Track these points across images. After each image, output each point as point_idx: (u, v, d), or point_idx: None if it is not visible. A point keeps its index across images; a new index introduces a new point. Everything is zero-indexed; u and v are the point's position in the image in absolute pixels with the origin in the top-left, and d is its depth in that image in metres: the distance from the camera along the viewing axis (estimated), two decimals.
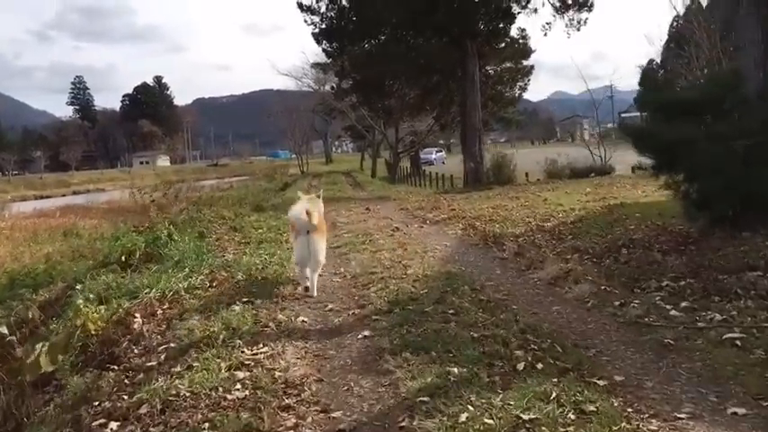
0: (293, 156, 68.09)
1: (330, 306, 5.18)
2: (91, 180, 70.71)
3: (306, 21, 18.36)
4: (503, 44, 19.09)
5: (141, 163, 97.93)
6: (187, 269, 6.72)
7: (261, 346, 4.10)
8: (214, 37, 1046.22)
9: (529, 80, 20.69)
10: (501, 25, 17.61)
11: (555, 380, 3.13)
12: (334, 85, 23.72)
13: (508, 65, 20.07)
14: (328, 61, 34.63)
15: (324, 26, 18.21)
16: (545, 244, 7.40)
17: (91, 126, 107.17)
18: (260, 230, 9.88)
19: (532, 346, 3.70)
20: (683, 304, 4.45)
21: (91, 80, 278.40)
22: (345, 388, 3.38)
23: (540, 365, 3.36)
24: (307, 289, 5.56)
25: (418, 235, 8.96)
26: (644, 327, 4.11)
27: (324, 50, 19.83)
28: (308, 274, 5.60)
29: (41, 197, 55.04)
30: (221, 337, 4.31)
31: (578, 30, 17.37)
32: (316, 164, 66.11)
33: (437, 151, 58.32)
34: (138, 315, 5.18)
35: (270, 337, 4.35)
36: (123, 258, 7.66)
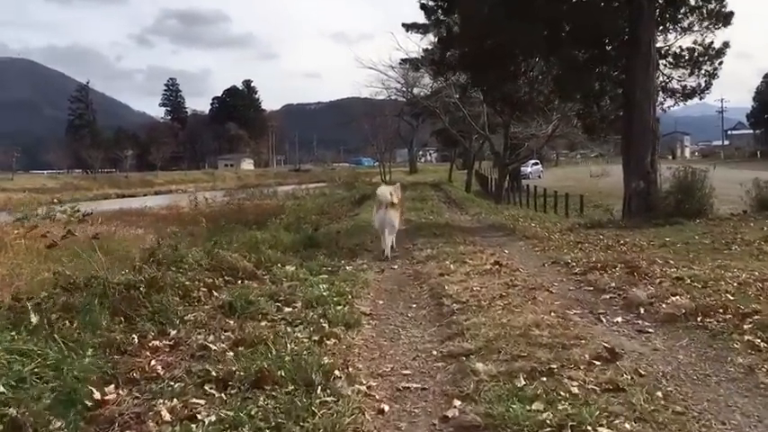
0: (376, 163, 63.39)
1: None
2: (174, 180, 70.38)
3: None
4: (684, 7, 12.42)
5: (226, 165, 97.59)
6: None
7: None
8: (304, 45, 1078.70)
9: (721, 64, 12.97)
10: None
11: None
12: (435, 59, 17.69)
13: (691, 39, 12.82)
14: (419, 55, 29.14)
15: None
16: None
17: (181, 127, 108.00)
18: (282, 316, 4.56)
19: None
20: None
21: (186, 84, 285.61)
22: None
23: None
24: (383, 254, 7.79)
25: (681, 384, 3.32)
26: None
27: (422, 6, 14.26)
28: (386, 235, 7.82)
29: (123, 196, 53.97)
30: None
31: None
32: (399, 173, 60.87)
33: (533, 163, 51.71)
34: None
35: None
36: None
